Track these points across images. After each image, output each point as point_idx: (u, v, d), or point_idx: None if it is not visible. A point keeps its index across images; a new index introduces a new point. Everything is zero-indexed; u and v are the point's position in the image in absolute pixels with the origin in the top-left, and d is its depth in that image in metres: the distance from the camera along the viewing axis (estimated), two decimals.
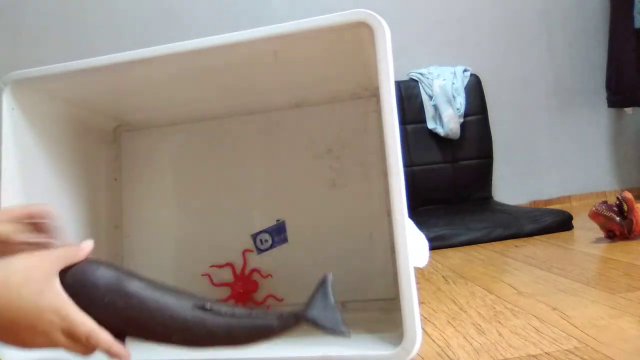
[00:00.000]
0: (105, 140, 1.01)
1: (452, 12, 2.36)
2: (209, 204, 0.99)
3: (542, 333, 0.67)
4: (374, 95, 0.92)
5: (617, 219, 1.24)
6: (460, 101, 2.17)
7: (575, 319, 0.71)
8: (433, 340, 0.70)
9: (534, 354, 0.60)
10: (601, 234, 1.31)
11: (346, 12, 0.64)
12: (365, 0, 1.12)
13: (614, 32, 2.25)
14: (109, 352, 0.51)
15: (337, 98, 0.94)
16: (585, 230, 1.49)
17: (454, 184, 2.18)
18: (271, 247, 0.96)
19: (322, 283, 0.55)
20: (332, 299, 0.53)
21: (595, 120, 2.40)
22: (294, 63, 0.80)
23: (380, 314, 0.83)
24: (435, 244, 1.51)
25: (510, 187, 2.32)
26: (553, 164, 2.37)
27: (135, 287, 0.53)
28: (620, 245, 1.21)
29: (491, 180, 2.23)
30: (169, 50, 0.71)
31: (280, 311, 0.55)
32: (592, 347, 0.60)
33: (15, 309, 0.47)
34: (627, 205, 1.23)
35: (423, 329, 0.74)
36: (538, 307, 0.79)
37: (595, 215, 1.28)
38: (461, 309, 0.84)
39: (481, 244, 1.51)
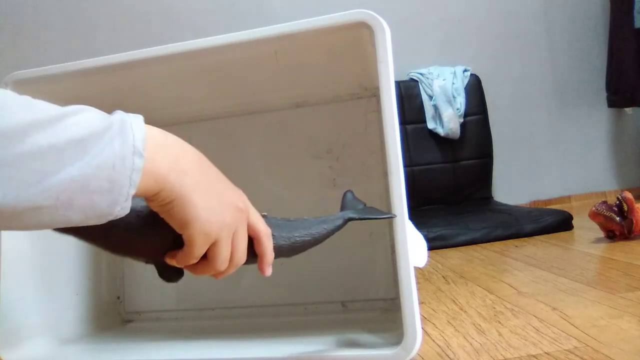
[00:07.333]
0: None
1: (452, 12, 2.36)
2: None
3: (542, 333, 0.67)
4: (374, 95, 0.92)
5: (617, 219, 1.24)
6: (460, 101, 2.17)
7: (575, 319, 0.71)
8: (433, 340, 0.70)
9: (534, 354, 0.60)
10: (601, 234, 1.31)
11: (346, 12, 0.64)
12: (365, 0, 1.11)
13: (614, 32, 2.25)
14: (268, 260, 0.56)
15: (337, 98, 0.94)
16: (585, 230, 1.49)
17: (454, 184, 2.18)
18: None
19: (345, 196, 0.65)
20: (362, 203, 0.64)
21: (595, 120, 2.40)
22: (294, 63, 0.79)
23: (380, 314, 0.83)
24: (435, 244, 1.51)
25: (510, 187, 2.32)
26: (553, 164, 2.37)
27: None
28: (620, 245, 1.21)
29: (491, 180, 2.23)
30: (169, 50, 0.71)
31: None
32: (592, 347, 0.60)
33: (211, 169, 0.51)
34: (627, 205, 1.23)
35: (423, 329, 0.74)
36: (538, 307, 0.79)
37: (595, 215, 1.28)
38: (461, 309, 0.84)
39: (481, 244, 1.51)
